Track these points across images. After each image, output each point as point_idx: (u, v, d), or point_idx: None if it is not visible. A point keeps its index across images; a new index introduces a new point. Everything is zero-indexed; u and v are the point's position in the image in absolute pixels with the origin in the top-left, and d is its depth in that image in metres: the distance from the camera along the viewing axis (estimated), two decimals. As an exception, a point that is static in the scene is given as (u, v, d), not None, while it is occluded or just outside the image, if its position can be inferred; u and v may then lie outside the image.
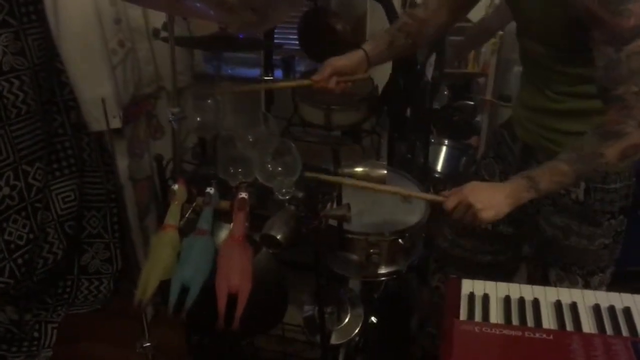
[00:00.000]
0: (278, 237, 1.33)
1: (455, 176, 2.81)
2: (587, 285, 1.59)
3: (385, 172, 1.54)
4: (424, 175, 2.68)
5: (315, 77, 1.74)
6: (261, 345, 1.85)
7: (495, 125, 3.26)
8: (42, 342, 2.46)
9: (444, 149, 2.86)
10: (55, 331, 2.51)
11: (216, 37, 1.75)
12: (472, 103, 3.07)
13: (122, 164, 2.35)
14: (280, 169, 1.44)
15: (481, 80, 3.28)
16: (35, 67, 2.34)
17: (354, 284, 2.02)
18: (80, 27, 2.05)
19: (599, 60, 1.26)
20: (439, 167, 2.85)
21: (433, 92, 2.55)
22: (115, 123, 2.14)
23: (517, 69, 3.28)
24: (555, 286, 1.55)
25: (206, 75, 2.61)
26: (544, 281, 1.61)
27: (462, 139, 3.05)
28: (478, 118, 3.24)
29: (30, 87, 2.33)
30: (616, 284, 1.61)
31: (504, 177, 1.75)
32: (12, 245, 2.37)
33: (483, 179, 1.79)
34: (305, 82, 1.80)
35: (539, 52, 1.48)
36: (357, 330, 1.69)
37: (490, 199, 1.33)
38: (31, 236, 2.44)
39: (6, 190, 2.33)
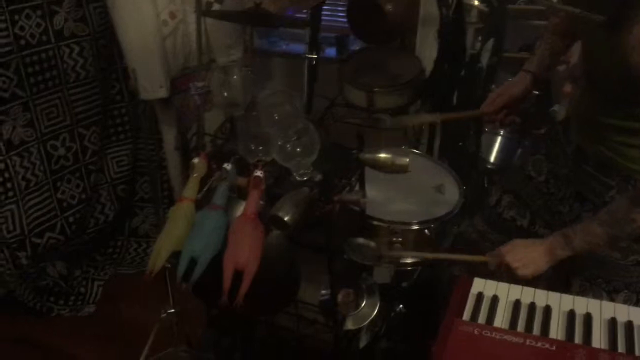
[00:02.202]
0: (285, 218, 1.32)
1: (508, 168, 2.70)
2: (611, 302, 1.49)
3: (408, 160, 1.49)
4: (474, 165, 2.59)
5: (487, 109, 1.77)
6: (281, 324, 1.86)
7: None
8: (87, 297, 2.59)
9: (499, 138, 2.74)
10: (100, 288, 2.63)
11: (250, 12, 1.74)
12: (536, 92, 2.92)
13: (170, 133, 2.41)
14: (298, 149, 1.43)
15: (561, 67, 3.09)
16: (96, 35, 2.42)
17: (385, 272, 1.99)
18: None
19: None
20: (492, 158, 2.73)
21: (489, 79, 2.44)
22: (162, 93, 2.19)
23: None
24: (576, 296, 1.48)
25: (258, 50, 2.61)
26: (566, 290, 1.53)
27: (531, 130, 2.90)
28: (555, 107, 3.08)
29: (90, 53, 2.42)
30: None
31: (551, 177, 1.67)
32: (65, 204, 2.49)
33: (528, 176, 1.72)
34: (476, 114, 1.84)
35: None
36: (372, 317, 1.66)
37: (527, 258, 1.40)
38: (83, 196, 2.55)
39: (62, 151, 2.44)
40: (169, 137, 2.40)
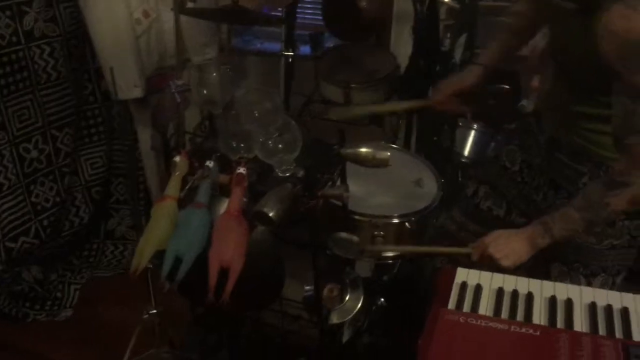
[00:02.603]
0: (270, 214, 1.32)
1: (482, 161, 2.74)
2: (589, 286, 1.53)
3: (389, 154, 1.50)
4: (448, 159, 2.63)
5: (436, 98, 1.79)
6: (266, 321, 1.86)
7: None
8: (64, 301, 2.55)
9: (473, 133, 2.78)
10: (77, 292, 2.59)
11: (227, 10, 1.74)
12: (507, 87, 2.97)
13: (145, 134, 2.38)
14: (280, 146, 1.43)
15: (531, 62, 3.15)
16: (67, 35, 2.39)
17: (366, 266, 2.01)
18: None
19: (616, 109, 1.28)
20: (466, 152, 2.77)
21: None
22: (137, 92, 2.17)
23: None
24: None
25: (233, 49, 2.61)
26: (545, 276, 1.56)
27: (502, 124, 2.95)
28: (523, 102, 3.13)
29: (61, 54, 2.38)
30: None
31: (525, 166, 1.71)
32: (39, 207, 2.45)
33: (503, 166, 1.75)
34: (426, 102, 1.85)
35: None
36: (356, 311, 1.67)
37: (508, 248, 1.43)
38: (58, 199, 2.51)
39: (34, 154, 2.40)
40: (145, 137, 2.38)
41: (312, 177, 1.41)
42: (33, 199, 2.42)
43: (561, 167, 1.55)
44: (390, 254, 1.73)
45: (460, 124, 2.69)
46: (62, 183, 2.53)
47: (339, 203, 1.49)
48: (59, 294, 2.56)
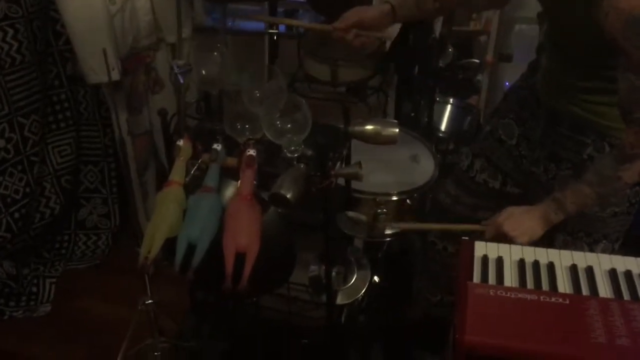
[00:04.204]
0: (288, 195, 1.29)
1: (459, 134, 2.77)
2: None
3: (397, 130, 1.49)
4: (427, 134, 2.64)
5: (337, 24, 1.68)
6: (263, 304, 1.83)
7: (501, 85, 3.22)
8: (40, 297, 2.44)
9: (449, 107, 2.81)
10: (53, 286, 2.48)
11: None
12: (477, 61, 3.01)
13: (121, 118, 2.29)
14: (289, 126, 1.39)
15: (483, 38, 3.21)
16: (30, 16, 2.26)
17: (357, 244, 2.00)
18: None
19: (622, 83, 1.28)
20: (443, 127, 2.80)
21: (440, 50, 2.49)
22: (114, 75, 2.06)
23: (519, 27, 3.22)
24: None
25: (206, 28, 2.52)
26: (549, 246, 1.59)
27: (464, 98, 3.00)
28: (479, 77, 3.19)
29: (25, 36, 2.25)
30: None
31: (522, 139, 1.72)
32: (9, 199, 2.32)
33: (499, 140, 1.76)
34: (326, 27, 1.73)
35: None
36: (363, 291, 1.67)
37: (525, 226, 1.44)
38: (27, 190, 2.39)
39: (1, 143, 2.27)
40: (121, 121, 2.28)
41: (325, 156, 1.38)
42: (3, 191, 2.29)
43: (563, 139, 1.56)
44: (392, 230, 1.72)
45: (437, 99, 2.71)
46: (31, 173, 2.40)
47: (351, 181, 1.48)
48: (34, 289, 2.45)
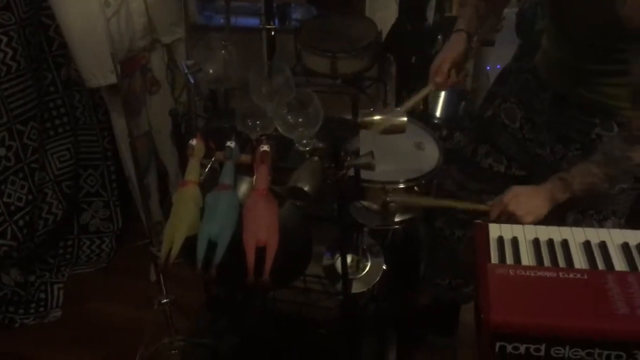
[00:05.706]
0: (306, 189, 1.31)
1: (454, 120, 2.79)
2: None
3: (406, 119, 1.52)
4: (424, 122, 2.67)
5: (439, 80, 1.74)
6: (276, 296, 1.85)
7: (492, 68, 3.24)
8: (49, 302, 2.45)
9: (443, 94, 2.83)
10: (61, 292, 2.49)
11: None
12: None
13: (120, 120, 2.29)
14: (301, 120, 1.41)
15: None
16: (22, 22, 2.25)
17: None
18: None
19: (635, 68, 1.30)
20: (438, 113, 2.82)
21: (433, 37, 2.51)
22: (112, 79, 2.07)
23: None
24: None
25: (199, 26, 2.52)
26: (560, 224, 1.62)
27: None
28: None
29: (19, 43, 2.24)
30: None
31: (525, 122, 1.73)
32: (12, 207, 2.32)
33: (502, 124, 1.78)
34: (428, 89, 1.79)
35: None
36: (377, 280, 1.70)
37: (531, 205, 1.44)
38: (30, 197, 2.39)
39: (2, 151, 2.26)
40: (120, 124, 2.28)
41: (339, 148, 1.40)
42: (5, 199, 2.29)
43: (570, 121, 1.57)
44: (401, 218, 1.74)
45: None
46: (32, 180, 2.40)
47: (360, 171, 1.50)
48: (42, 295, 2.45)
